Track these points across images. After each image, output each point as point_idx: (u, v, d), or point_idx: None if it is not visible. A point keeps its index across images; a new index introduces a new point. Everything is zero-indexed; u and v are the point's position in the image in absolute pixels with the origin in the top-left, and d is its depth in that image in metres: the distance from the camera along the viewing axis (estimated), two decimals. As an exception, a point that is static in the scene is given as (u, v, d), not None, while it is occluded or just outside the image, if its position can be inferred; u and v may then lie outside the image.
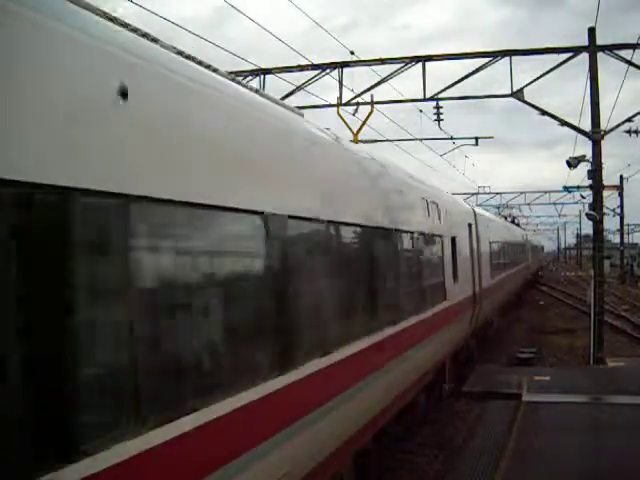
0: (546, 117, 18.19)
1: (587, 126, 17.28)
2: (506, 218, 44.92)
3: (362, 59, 18.97)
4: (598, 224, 17.67)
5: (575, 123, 18.06)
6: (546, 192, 60.95)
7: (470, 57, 18.61)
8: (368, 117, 14.94)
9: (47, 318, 2.88)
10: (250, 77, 19.07)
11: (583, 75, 18.60)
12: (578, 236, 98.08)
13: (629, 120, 19.27)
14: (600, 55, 16.95)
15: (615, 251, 56.02)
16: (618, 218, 54.13)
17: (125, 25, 4.12)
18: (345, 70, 18.98)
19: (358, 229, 7.24)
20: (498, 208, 56.13)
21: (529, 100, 18.02)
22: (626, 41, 17.24)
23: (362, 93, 18.99)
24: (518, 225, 53.00)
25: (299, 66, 19.06)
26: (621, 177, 50.17)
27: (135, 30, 4.23)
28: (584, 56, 17.11)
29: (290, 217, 5.20)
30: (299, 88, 19.45)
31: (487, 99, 21.24)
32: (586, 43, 17.15)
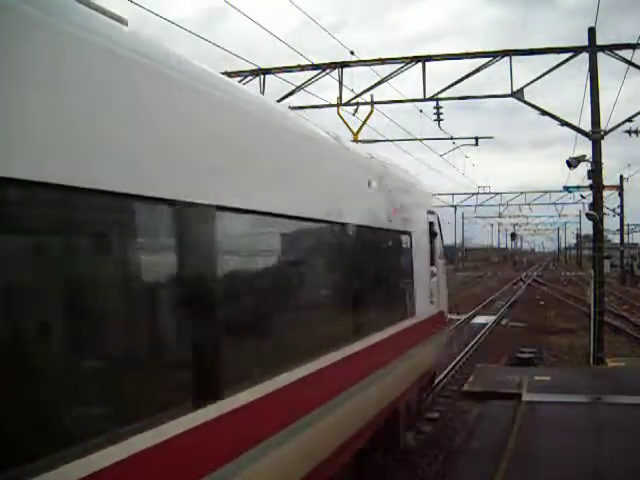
0: (544, 117, 18.19)
1: (587, 126, 17.30)
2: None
3: (362, 59, 18.98)
4: (598, 224, 17.67)
5: (575, 123, 18.09)
6: (546, 192, 61.19)
7: (470, 57, 18.60)
8: (368, 117, 14.95)
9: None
10: (250, 77, 19.07)
11: (583, 75, 18.58)
12: (578, 236, 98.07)
13: (629, 120, 19.26)
14: (600, 55, 16.95)
15: (615, 251, 55.97)
16: (618, 218, 54.21)
17: None
18: (345, 70, 18.99)
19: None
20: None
21: (529, 100, 18.03)
22: (622, 41, 17.27)
23: (362, 93, 19.01)
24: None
25: (299, 66, 19.05)
26: (621, 177, 50.25)
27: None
28: (584, 56, 17.11)
29: None
30: (299, 88, 19.46)
31: (486, 99, 21.25)
32: (580, 43, 17.19)
